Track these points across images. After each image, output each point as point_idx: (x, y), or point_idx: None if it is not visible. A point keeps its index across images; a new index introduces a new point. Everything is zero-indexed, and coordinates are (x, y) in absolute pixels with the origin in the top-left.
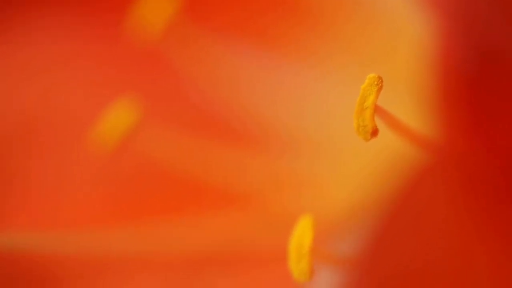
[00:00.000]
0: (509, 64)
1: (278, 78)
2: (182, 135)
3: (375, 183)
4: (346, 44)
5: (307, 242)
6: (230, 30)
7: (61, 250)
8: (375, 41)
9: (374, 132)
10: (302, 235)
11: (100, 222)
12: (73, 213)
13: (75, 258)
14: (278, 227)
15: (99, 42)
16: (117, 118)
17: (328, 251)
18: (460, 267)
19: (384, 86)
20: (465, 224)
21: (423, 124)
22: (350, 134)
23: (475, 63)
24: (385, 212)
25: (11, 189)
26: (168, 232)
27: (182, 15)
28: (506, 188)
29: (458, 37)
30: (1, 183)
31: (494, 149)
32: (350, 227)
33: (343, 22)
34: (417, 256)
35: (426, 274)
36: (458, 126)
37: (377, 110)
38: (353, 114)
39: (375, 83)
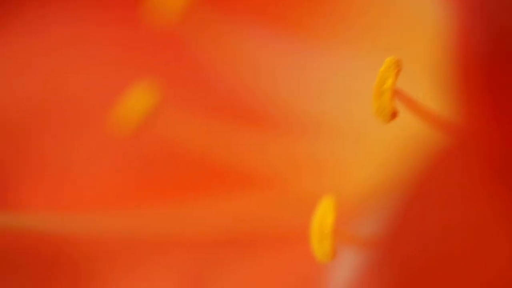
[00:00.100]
0: None
1: (297, 62)
2: (201, 118)
3: (395, 164)
4: (365, 28)
5: (329, 222)
6: (249, 14)
7: (79, 232)
8: (394, 25)
9: (393, 115)
10: (324, 216)
11: (119, 204)
12: (91, 195)
13: (93, 240)
14: (300, 208)
15: (118, 24)
16: (137, 100)
17: (350, 231)
18: (480, 247)
19: (403, 69)
20: (484, 204)
21: (442, 106)
22: (370, 117)
23: (493, 44)
24: (405, 192)
25: (28, 171)
26: (188, 213)
27: None
28: None
29: (476, 18)
30: (19, 166)
31: None
32: (371, 208)
33: (362, 6)
34: (438, 236)
35: (447, 254)
36: (476, 107)
37: (396, 92)
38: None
39: (394, 66)
